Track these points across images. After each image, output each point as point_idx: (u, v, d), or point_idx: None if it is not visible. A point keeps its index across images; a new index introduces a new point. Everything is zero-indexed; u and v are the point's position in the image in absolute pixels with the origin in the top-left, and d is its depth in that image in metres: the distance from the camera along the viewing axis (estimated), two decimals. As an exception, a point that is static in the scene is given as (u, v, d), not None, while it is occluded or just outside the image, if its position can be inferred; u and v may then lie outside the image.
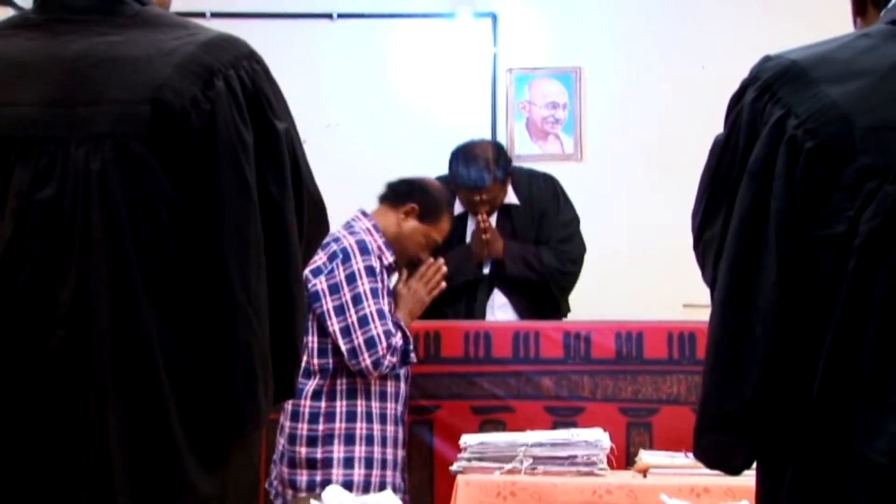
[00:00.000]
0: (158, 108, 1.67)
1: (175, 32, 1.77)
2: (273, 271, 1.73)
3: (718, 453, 1.59)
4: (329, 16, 5.65)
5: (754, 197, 1.52)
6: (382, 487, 3.42)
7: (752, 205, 1.52)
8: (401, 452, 3.57)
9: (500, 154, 4.41)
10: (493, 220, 4.41)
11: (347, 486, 3.35)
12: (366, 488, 3.39)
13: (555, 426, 3.69)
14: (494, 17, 5.65)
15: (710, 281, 1.63)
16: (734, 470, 1.60)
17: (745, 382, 1.51)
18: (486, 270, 4.41)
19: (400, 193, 3.67)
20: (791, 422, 1.52)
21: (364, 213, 3.63)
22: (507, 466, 3.30)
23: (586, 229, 4.79)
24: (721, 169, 1.60)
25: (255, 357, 1.69)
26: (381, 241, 3.57)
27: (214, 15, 5.42)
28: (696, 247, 1.68)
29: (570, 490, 3.22)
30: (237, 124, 1.69)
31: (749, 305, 1.51)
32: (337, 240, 3.49)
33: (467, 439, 3.41)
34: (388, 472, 3.47)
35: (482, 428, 3.77)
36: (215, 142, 1.67)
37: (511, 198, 4.44)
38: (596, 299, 4.54)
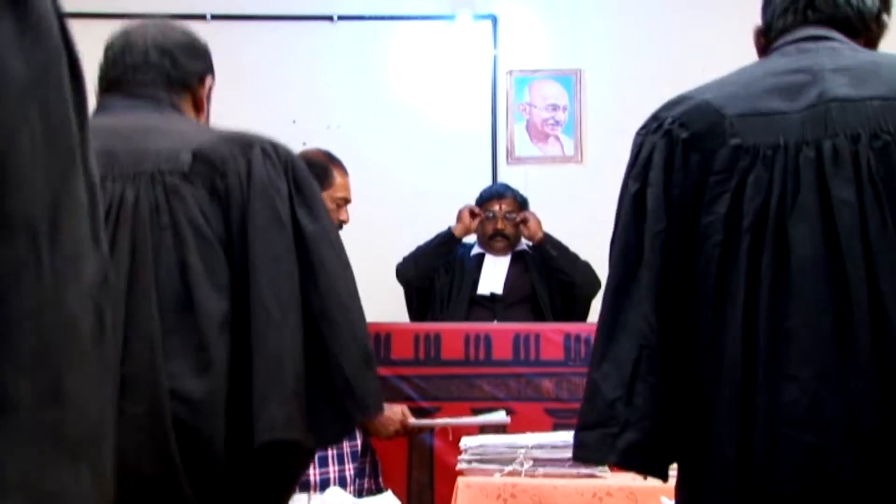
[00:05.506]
0: (199, 155, 1.82)
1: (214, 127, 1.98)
2: (312, 301, 1.81)
3: (597, 447, 1.64)
4: (329, 18, 5.65)
5: (636, 194, 1.65)
6: (326, 485, 3.43)
7: (635, 200, 1.65)
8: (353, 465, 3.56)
9: (517, 191, 4.87)
10: (507, 260, 4.67)
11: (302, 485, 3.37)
12: (323, 486, 3.39)
13: (555, 428, 3.69)
14: (494, 19, 5.66)
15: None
16: (610, 462, 1.67)
17: (625, 370, 1.59)
18: (488, 292, 4.54)
19: None
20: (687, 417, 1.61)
21: None
22: (508, 468, 3.30)
23: (586, 231, 4.79)
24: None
25: (288, 368, 1.75)
26: None
27: (215, 17, 5.40)
28: None
29: (571, 492, 3.22)
30: (272, 175, 1.84)
31: (632, 293, 1.62)
32: None
33: (468, 441, 3.41)
34: (334, 468, 3.44)
35: (483, 430, 3.77)
36: (251, 184, 1.81)
37: (523, 244, 4.72)
38: (596, 301, 4.54)
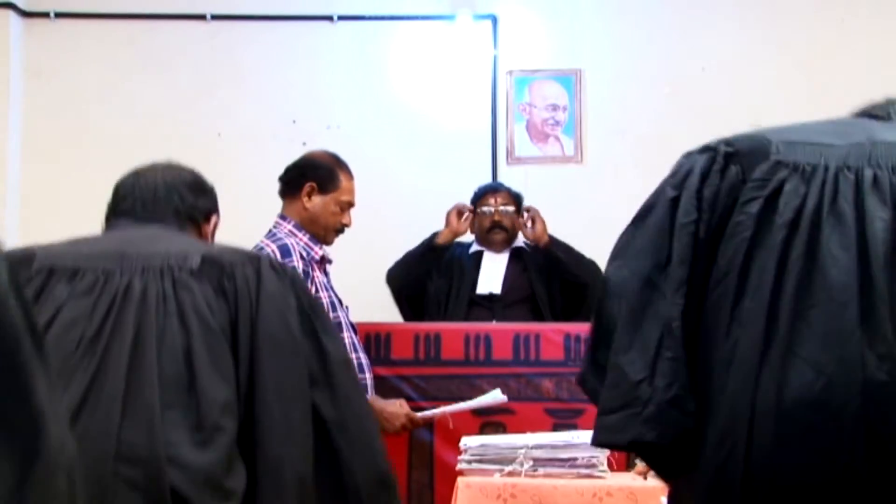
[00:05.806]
0: (207, 259, 1.90)
1: None
2: (327, 413, 1.89)
3: (622, 427, 1.66)
4: (329, 18, 5.65)
5: (673, 199, 1.69)
6: None
7: (671, 203, 1.70)
8: None
9: (510, 187, 4.93)
10: (506, 257, 4.68)
11: None
12: None
13: (555, 428, 3.69)
14: (494, 19, 5.66)
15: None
16: (633, 438, 1.66)
17: (650, 353, 1.64)
18: (487, 292, 4.54)
19: (292, 181, 3.60)
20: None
21: (283, 217, 3.57)
22: (508, 468, 3.30)
23: (586, 231, 4.80)
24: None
25: (289, 471, 1.81)
26: (305, 239, 3.50)
27: (215, 17, 5.39)
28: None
29: (571, 492, 3.22)
30: (280, 287, 1.90)
31: (660, 284, 1.66)
32: (261, 249, 3.42)
33: (468, 441, 3.41)
34: None
35: (482, 430, 3.78)
36: (260, 291, 1.87)
37: (520, 241, 4.76)
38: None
